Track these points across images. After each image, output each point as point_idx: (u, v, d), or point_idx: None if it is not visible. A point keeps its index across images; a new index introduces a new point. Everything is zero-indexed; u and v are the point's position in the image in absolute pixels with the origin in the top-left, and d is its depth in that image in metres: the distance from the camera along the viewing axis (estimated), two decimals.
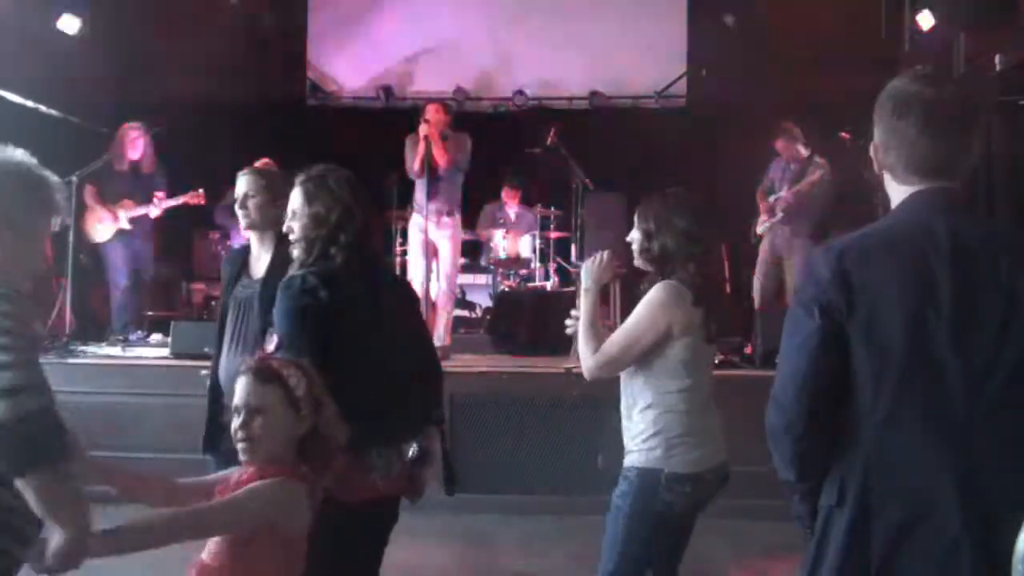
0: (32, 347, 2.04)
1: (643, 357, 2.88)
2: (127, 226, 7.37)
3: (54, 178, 2.25)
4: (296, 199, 2.84)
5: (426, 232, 6.78)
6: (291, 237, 2.84)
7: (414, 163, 6.75)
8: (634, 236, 3.00)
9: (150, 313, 8.00)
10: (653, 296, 2.88)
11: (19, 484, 1.94)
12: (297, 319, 2.65)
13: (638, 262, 3.01)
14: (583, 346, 2.94)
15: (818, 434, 1.86)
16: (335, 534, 2.62)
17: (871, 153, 1.95)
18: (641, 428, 2.91)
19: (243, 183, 3.81)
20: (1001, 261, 1.78)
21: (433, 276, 7.14)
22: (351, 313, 2.70)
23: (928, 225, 1.81)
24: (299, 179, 2.87)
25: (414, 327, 3.07)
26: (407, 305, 3.06)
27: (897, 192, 1.92)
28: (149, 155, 7.47)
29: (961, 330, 1.75)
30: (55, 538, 1.95)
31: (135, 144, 7.35)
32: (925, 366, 1.76)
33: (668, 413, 2.88)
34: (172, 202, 7.45)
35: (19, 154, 2.20)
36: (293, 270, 2.81)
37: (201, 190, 7.50)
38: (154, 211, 7.39)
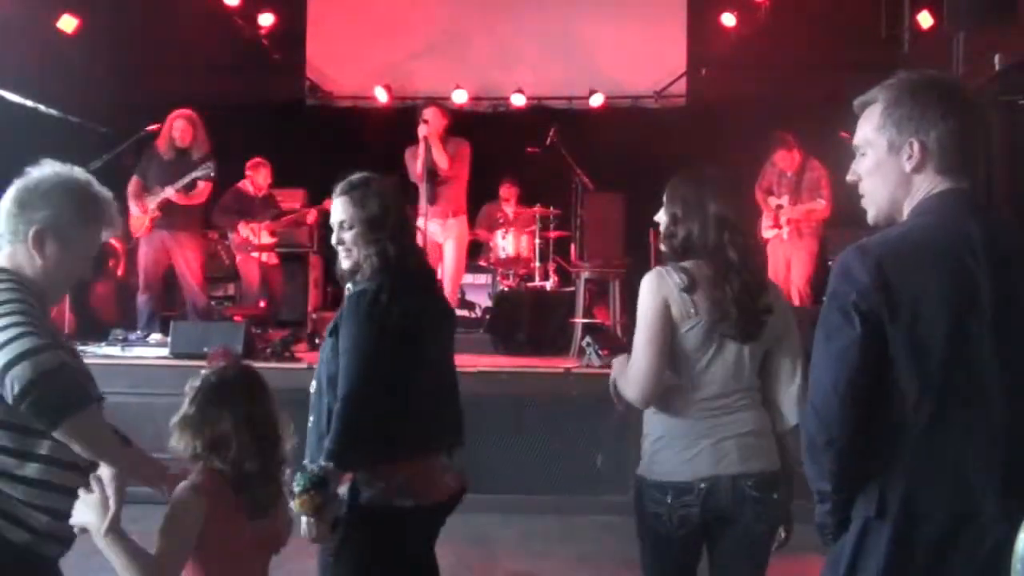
0: (42, 324, 2.15)
1: (669, 349, 2.60)
2: (155, 213, 7.08)
3: (107, 196, 2.38)
4: (344, 208, 2.77)
5: (426, 233, 6.78)
6: (341, 248, 2.77)
7: (416, 167, 6.74)
8: (660, 219, 2.74)
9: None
10: (642, 285, 2.66)
11: (60, 435, 2.08)
12: (370, 333, 2.60)
13: (663, 247, 2.76)
14: (622, 385, 2.71)
15: (859, 444, 1.81)
16: (419, 536, 2.72)
17: (897, 154, 1.88)
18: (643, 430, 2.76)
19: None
20: None
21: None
22: (418, 322, 2.69)
23: (962, 228, 1.79)
24: (340, 189, 2.82)
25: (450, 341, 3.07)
26: (449, 318, 3.06)
27: (923, 192, 1.87)
28: (200, 140, 7.21)
29: (1002, 334, 1.74)
30: (105, 473, 2.11)
31: (180, 131, 7.12)
32: (967, 372, 1.75)
33: (655, 413, 2.67)
34: (183, 180, 7.04)
35: (77, 171, 2.37)
36: (359, 279, 2.74)
37: (211, 163, 7.13)
38: (168, 192, 6.99)
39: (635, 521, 2.72)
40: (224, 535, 2.17)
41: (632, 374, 2.63)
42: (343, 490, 2.56)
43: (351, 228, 2.76)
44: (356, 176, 2.84)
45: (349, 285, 2.77)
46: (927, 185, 1.87)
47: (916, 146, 1.86)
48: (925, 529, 1.76)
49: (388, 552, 2.62)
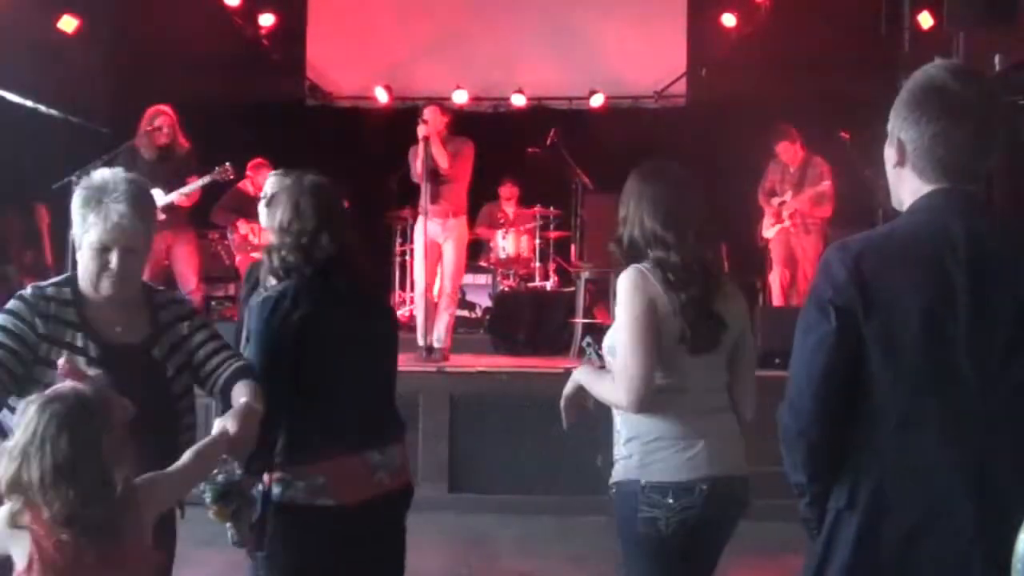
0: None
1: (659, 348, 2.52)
2: (160, 216, 6.84)
3: (109, 195, 2.42)
4: (263, 206, 2.86)
5: (426, 233, 6.78)
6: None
7: (417, 166, 6.75)
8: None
9: None
10: (621, 285, 2.58)
11: None
12: (270, 341, 2.63)
13: (611, 247, 2.73)
14: (602, 390, 2.64)
15: (831, 437, 1.84)
16: (354, 535, 2.66)
17: (890, 147, 1.90)
18: (619, 434, 2.65)
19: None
20: (1019, 265, 1.78)
21: (436, 277, 7.14)
22: (324, 327, 2.66)
23: (946, 227, 1.79)
24: (271, 182, 2.89)
25: (385, 352, 2.96)
26: (379, 319, 2.97)
27: (912, 190, 1.88)
28: (180, 136, 7.01)
29: (977, 333, 1.75)
30: None
31: (162, 129, 6.94)
32: (941, 369, 1.76)
33: (643, 415, 2.57)
34: (199, 183, 6.88)
35: (96, 174, 2.48)
36: (264, 280, 2.79)
37: (228, 164, 6.96)
38: (171, 196, 6.73)
39: (621, 534, 2.60)
40: (51, 560, 1.98)
41: (623, 379, 2.53)
42: (256, 492, 2.58)
43: (269, 226, 2.81)
44: (291, 175, 2.84)
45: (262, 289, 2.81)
46: (913, 181, 1.88)
47: (896, 143, 1.88)
48: (893, 523, 1.78)
49: (319, 552, 2.63)
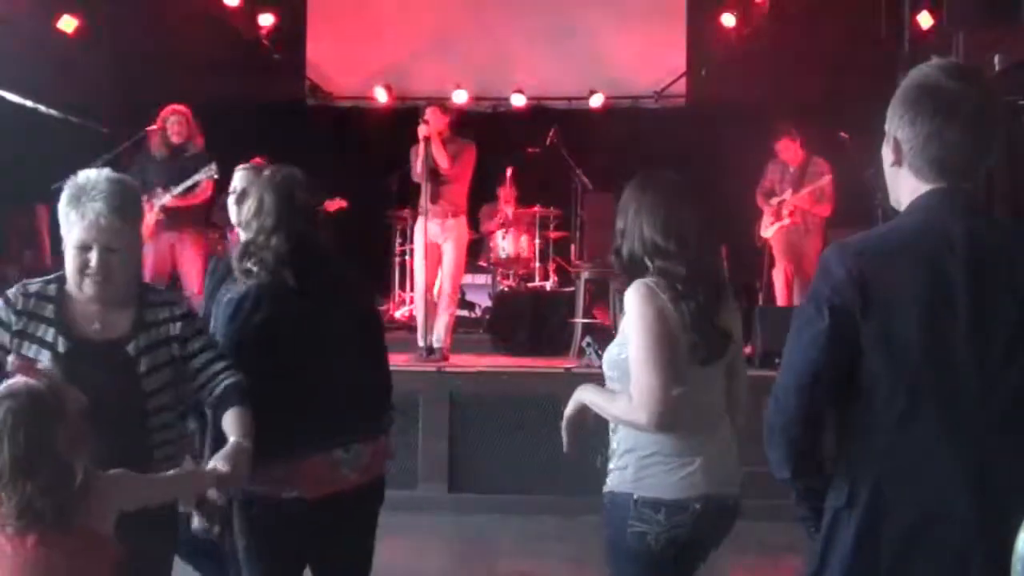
0: None
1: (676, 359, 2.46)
2: (159, 216, 6.83)
3: (89, 194, 2.40)
4: (231, 202, 2.87)
5: (426, 233, 6.78)
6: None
7: (417, 165, 6.76)
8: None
9: None
10: (630, 302, 2.51)
11: None
12: (231, 344, 2.65)
13: (612, 258, 2.68)
14: (616, 410, 2.55)
15: (814, 434, 1.85)
16: (321, 528, 2.70)
17: (887, 146, 1.90)
18: (616, 445, 2.61)
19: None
20: (1018, 264, 1.78)
21: (436, 277, 7.14)
22: (287, 327, 2.67)
23: (945, 226, 1.80)
24: (238, 177, 2.90)
25: (365, 335, 2.95)
26: (356, 316, 2.94)
27: (909, 189, 1.88)
28: (194, 136, 7.01)
29: (976, 332, 1.75)
30: None
31: (174, 128, 6.94)
32: (940, 368, 1.76)
33: (640, 429, 2.51)
34: (185, 184, 6.84)
35: (82, 174, 2.46)
36: (228, 279, 2.79)
37: (214, 163, 6.86)
38: (165, 198, 6.80)
39: (609, 542, 2.58)
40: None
41: (642, 397, 2.42)
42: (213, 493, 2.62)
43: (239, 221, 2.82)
44: (258, 169, 2.86)
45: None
46: (910, 181, 1.88)
47: (892, 142, 1.89)
48: (892, 523, 1.78)
49: (287, 541, 2.70)
